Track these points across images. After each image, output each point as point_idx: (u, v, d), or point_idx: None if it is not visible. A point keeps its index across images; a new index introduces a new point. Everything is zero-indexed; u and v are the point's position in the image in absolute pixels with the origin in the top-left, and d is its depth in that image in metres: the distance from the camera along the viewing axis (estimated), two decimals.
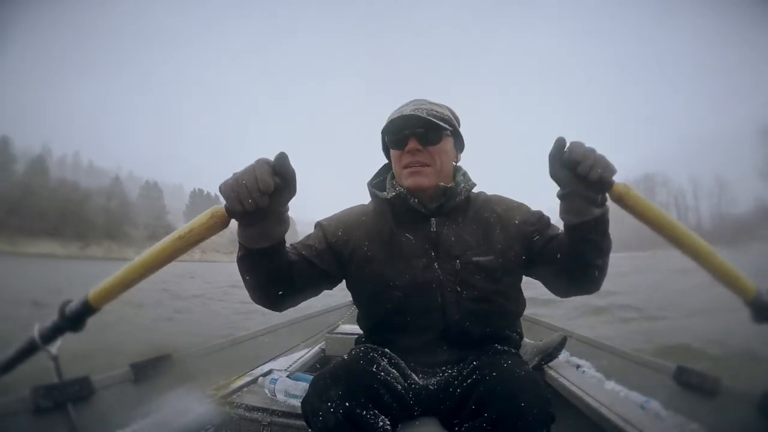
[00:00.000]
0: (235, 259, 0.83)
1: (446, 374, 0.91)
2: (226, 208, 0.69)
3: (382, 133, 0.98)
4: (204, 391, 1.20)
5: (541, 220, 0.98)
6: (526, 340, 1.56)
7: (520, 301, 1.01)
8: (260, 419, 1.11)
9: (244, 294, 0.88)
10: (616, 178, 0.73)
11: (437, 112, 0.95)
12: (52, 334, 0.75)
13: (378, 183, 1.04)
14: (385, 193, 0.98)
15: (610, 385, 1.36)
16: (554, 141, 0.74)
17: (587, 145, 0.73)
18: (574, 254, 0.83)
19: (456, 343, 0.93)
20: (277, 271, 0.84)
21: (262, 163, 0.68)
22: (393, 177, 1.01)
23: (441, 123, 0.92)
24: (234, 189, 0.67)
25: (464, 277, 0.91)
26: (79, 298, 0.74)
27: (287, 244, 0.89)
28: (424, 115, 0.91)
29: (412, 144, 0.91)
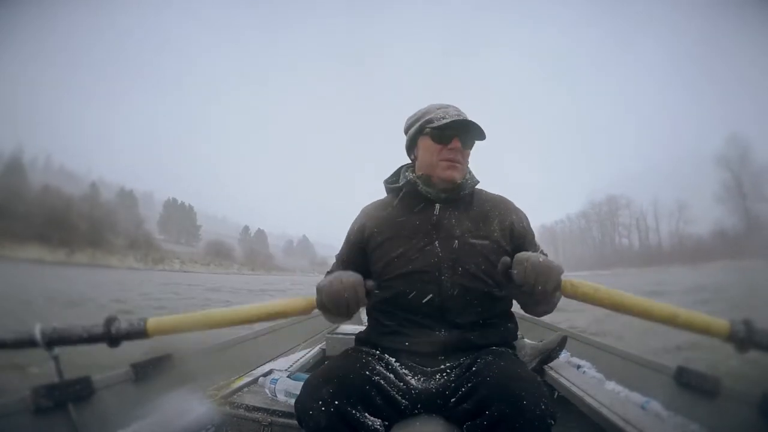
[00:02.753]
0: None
1: (445, 376, 0.92)
2: (322, 306, 0.86)
3: (424, 125, 1.07)
4: (204, 391, 1.20)
5: (528, 234, 1.09)
6: (526, 340, 1.56)
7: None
8: (261, 419, 1.11)
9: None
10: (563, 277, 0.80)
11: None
12: (79, 341, 0.78)
13: (392, 181, 1.16)
14: (398, 185, 1.11)
15: (611, 385, 1.36)
16: (500, 263, 0.83)
17: (528, 253, 0.81)
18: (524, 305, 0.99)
19: (451, 324, 0.97)
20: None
21: (358, 284, 0.86)
22: (407, 169, 1.14)
23: (483, 131, 1.04)
24: (336, 298, 0.84)
25: (461, 256, 1.00)
26: (133, 320, 0.79)
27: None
28: (469, 119, 1.03)
29: (456, 143, 1.04)
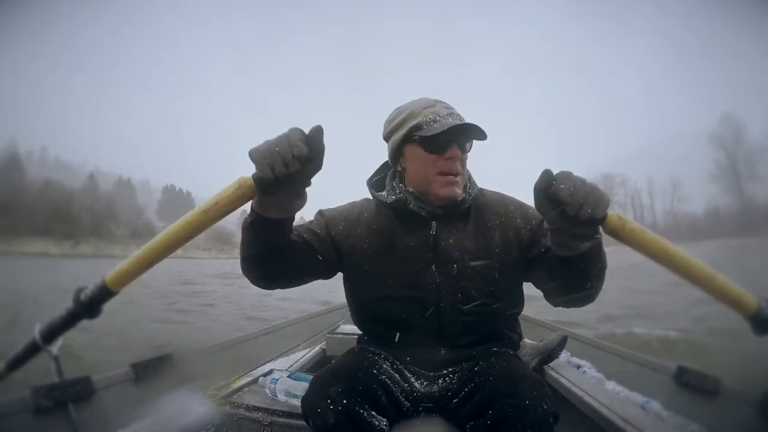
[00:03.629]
0: (242, 225, 0.81)
1: (447, 380, 0.92)
2: (256, 175, 0.67)
3: (411, 131, 0.90)
4: (204, 391, 1.20)
5: (542, 224, 0.93)
6: (526, 340, 1.56)
7: (518, 303, 1.01)
8: (261, 419, 1.11)
9: None
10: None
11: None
12: (64, 324, 0.75)
13: (377, 182, 1.03)
14: (384, 194, 0.97)
15: (611, 385, 1.36)
16: (540, 174, 0.66)
17: (576, 174, 0.66)
18: (562, 277, 0.81)
19: (452, 344, 0.93)
20: (280, 246, 0.84)
21: (295, 130, 0.66)
22: (393, 178, 0.99)
23: (480, 132, 0.89)
24: (266, 155, 0.65)
25: (461, 281, 0.91)
26: (94, 283, 0.73)
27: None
28: (464, 121, 0.88)
29: (455, 151, 0.89)
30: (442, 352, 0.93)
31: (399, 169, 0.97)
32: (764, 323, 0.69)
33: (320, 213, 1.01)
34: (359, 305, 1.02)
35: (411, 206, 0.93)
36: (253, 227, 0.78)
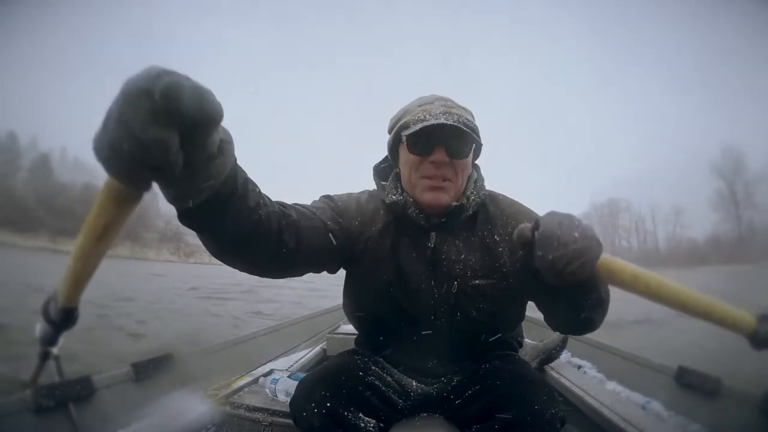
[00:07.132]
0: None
1: (446, 380, 0.91)
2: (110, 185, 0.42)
3: (399, 130, 0.83)
4: (205, 391, 1.20)
5: None
6: (526, 340, 1.56)
7: (518, 318, 0.97)
8: (261, 419, 1.11)
9: None
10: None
11: (467, 120, 0.81)
12: (51, 337, 0.74)
13: (383, 169, 0.94)
14: (385, 192, 0.87)
15: (611, 385, 1.36)
16: (516, 231, 0.61)
17: (557, 221, 0.58)
18: (556, 306, 0.73)
19: (446, 358, 0.90)
20: (245, 228, 0.59)
21: (135, 100, 0.36)
22: (396, 178, 0.89)
23: (475, 136, 0.80)
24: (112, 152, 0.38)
25: (461, 300, 0.83)
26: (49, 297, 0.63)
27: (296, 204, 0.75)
28: (455, 122, 0.78)
29: (440, 155, 0.78)
30: (435, 362, 0.90)
31: (398, 169, 0.88)
32: (761, 341, 0.68)
33: (329, 198, 0.88)
34: (359, 308, 0.93)
35: (410, 212, 0.84)
36: (187, 222, 0.52)
